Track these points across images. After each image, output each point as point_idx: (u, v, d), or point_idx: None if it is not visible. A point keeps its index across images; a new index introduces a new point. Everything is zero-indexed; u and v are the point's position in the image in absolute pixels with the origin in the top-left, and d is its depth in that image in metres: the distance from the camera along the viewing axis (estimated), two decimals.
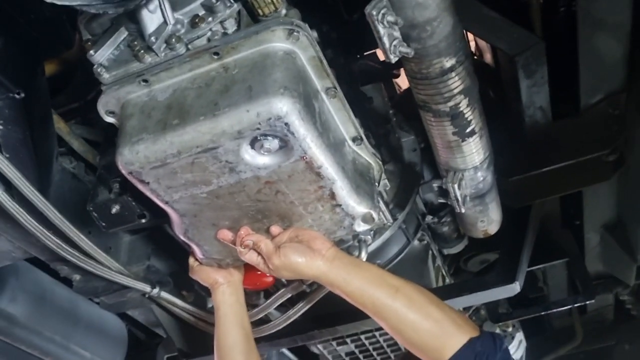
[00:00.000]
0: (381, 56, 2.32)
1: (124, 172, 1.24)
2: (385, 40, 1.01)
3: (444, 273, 2.46)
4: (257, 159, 1.22)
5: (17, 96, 1.38)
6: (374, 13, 0.98)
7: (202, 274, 1.60)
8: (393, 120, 1.87)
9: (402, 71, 2.33)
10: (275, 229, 1.40)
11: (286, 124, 1.13)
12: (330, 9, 1.53)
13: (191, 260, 1.62)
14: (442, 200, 1.60)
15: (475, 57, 2.33)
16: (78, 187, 1.92)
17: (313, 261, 1.33)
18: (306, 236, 1.36)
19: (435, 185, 1.53)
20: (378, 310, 1.30)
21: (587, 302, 2.67)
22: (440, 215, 2.09)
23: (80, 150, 1.86)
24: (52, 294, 2.35)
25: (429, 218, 2.08)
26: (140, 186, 1.28)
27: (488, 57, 2.19)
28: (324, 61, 1.25)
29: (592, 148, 1.65)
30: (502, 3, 1.45)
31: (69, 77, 1.98)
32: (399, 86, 2.66)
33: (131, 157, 1.21)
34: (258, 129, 1.14)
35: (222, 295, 1.58)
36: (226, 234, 1.41)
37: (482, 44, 2.23)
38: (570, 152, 1.67)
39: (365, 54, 2.12)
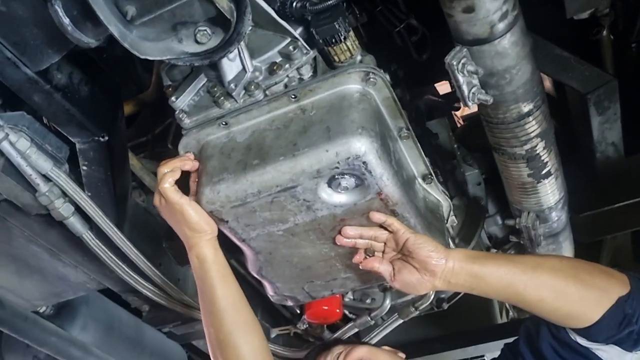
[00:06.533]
0: (441, 89, 2.34)
1: (205, 210, 1.29)
2: (464, 88, 1.03)
3: (507, 306, 2.43)
4: (334, 197, 1.24)
5: (101, 139, 1.45)
6: (454, 63, 1.00)
7: (198, 215, 1.27)
8: (458, 154, 1.87)
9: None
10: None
11: (364, 162, 1.16)
12: (399, 49, 1.55)
13: (169, 192, 1.27)
14: (512, 238, 1.59)
15: None
16: (149, 220, 1.99)
17: (429, 286, 1.23)
18: (420, 254, 1.21)
19: (508, 222, 1.52)
20: (514, 299, 1.21)
21: None
22: (504, 249, 2.06)
23: (151, 185, 1.93)
24: (119, 322, 2.41)
25: (492, 252, 2.06)
26: (219, 224, 1.32)
27: (548, 85, 2.17)
28: (397, 102, 1.28)
29: None
30: (573, 42, 1.45)
31: (136, 112, 2.06)
32: (457, 117, 2.67)
33: (213, 197, 1.25)
34: (337, 168, 1.17)
35: (214, 247, 1.32)
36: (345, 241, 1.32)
37: None
38: None
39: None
